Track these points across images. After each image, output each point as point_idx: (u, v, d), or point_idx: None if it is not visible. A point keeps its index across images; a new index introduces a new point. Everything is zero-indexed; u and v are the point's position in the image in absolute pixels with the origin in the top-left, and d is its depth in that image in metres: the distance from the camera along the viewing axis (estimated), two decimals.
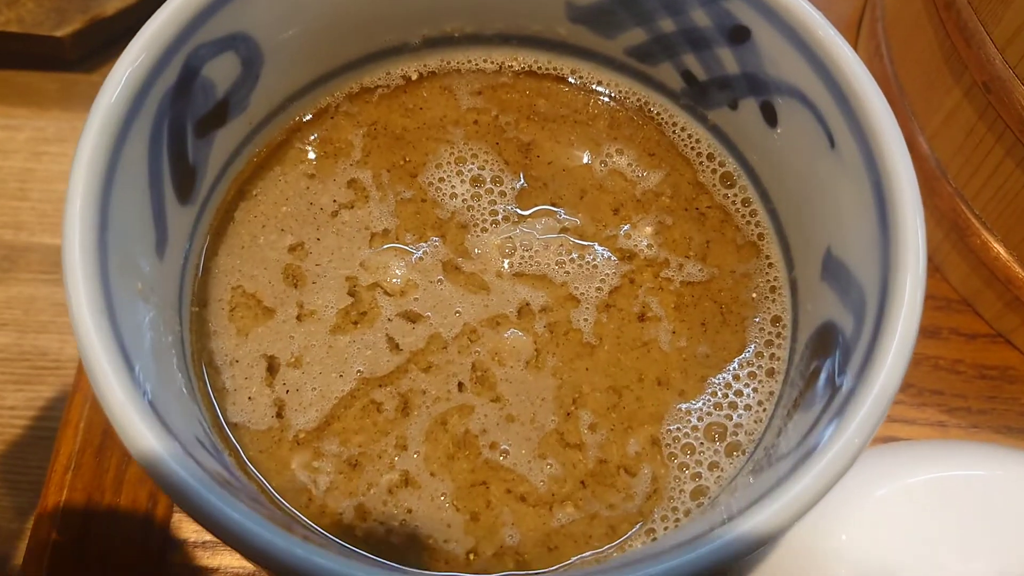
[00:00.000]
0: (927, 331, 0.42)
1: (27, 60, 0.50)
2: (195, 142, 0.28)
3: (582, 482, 0.27)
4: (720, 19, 0.29)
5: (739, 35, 0.29)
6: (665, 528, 0.26)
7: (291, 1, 0.29)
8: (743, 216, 0.31)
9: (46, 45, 0.47)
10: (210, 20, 0.26)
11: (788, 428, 0.25)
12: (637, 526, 0.26)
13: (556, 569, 0.26)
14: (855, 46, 0.49)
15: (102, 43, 0.49)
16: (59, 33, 0.46)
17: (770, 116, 0.29)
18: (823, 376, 0.25)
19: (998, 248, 0.39)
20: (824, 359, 0.25)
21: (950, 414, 0.41)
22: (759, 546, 0.21)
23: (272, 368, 0.28)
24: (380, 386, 0.28)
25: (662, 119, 0.33)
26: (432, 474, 0.27)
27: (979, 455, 0.35)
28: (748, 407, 0.28)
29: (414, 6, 0.32)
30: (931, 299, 0.43)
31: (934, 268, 0.43)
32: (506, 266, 0.30)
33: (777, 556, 0.34)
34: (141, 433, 0.20)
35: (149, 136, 0.25)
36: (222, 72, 0.28)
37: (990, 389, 0.41)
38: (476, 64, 0.34)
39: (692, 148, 0.33)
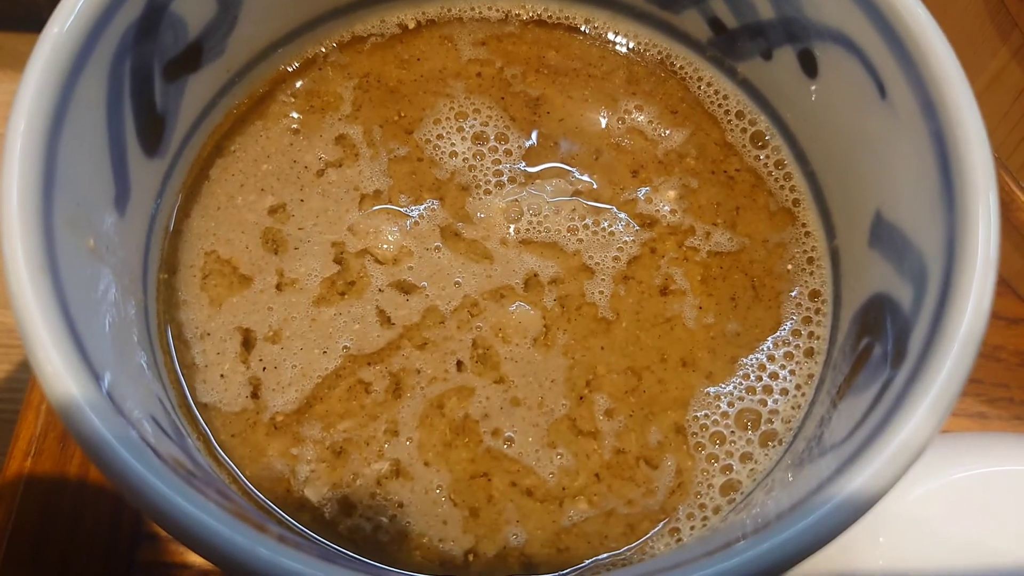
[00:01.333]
0: None
1: (4, 23, 0.47)
2: (163, 87, 0.24)
3: (597, 475, 0.24)
4: None
5: None
6: (692, 528, 0.23)
7: None
8: (776, 180, 0.28)
9: (22, 6, 0.44)
10: None
11: (834, 417, 0.22)
12: (660, 525, 0.23)
13: (567, 573, 0.22)
14: None
15: None
16: None
17: (809, 66, 0.26)
18: (875, 356, 0.22)
19: None
20: (876, 337, 0.22)
21: (991, 404, 0.37)
22: (801, 558, 0.18)
23: (248, 342, 0.25)
24: (369, 364, 0.25)
25: (686, 73, 0.30)
26: (426, 464, 0.24)
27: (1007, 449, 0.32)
28: (785, 391, 0.25)
29: None
30: None
31: None
32: (512, 232, 0.27)
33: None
34: (83, 412, 0.17)
35: (107, 76, 0.22)
36: (195, 9, 0.24)
37: None
38: (480, 12, 0.31)
39: (720, 105, 0.29)
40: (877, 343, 0.22)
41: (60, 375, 0.17)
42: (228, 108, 0.28)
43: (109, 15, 0.22)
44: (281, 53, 0.29)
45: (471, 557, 0.23)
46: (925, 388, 0.18)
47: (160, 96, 0.24)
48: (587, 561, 0.23)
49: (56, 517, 0.30)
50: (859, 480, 0.18)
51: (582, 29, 0.31)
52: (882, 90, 0.23)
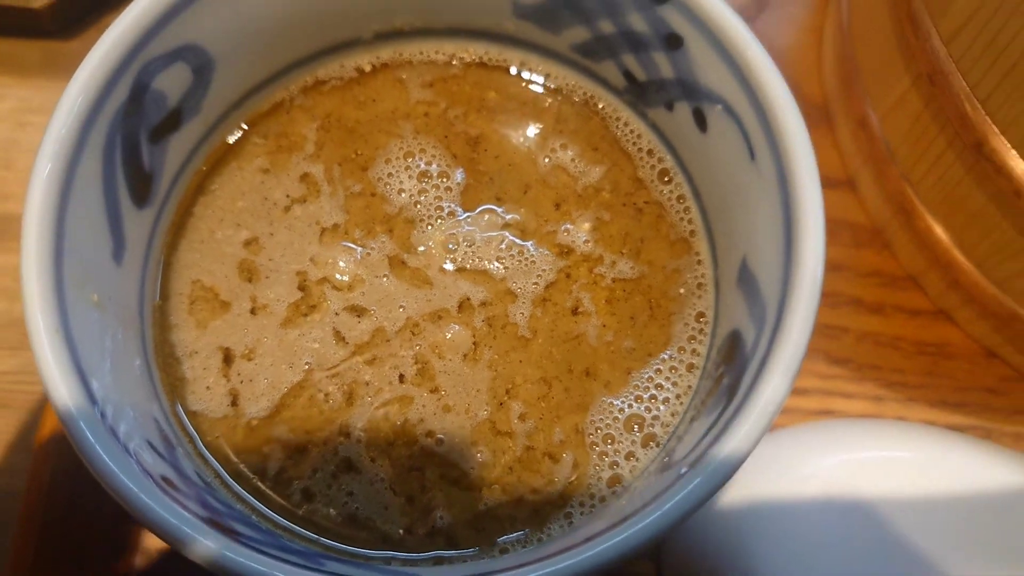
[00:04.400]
0: (871, 307, 0.44)
1: (7, 30, 0.50)
2: (150, 149, 0.29)
3: (510, 468, 0.29)
4: (655, 25, 0.30)
5: (673, 42, 0.30)
6: (582, 513, 0.29)
7: (237, 8, 0.30)
8: (677, 212, 0.33)
9: (24, 16, 0.48)
10: (157, 36, 0.28)
11: (686, 434, 0.27)
12: (558, 510, 0.29)
13: (479, 551, 0.28)
14: (824, 21, 0.49)
15: (81, 11, 0.50)
16: (36, 4, 0.47)
17: (700, 121, 0.31)
18: (723, 386, 0.27)
19: (940, 232, 0.40)
20: (728, 369, 0.27)
21: (888, 388, 0.42)
22: (654, 541, 0.23)
23: (228, 359, 0.30)
24: (327, 377, 0.30)
25: (607, 113, 0.34)
26: (372, 460, 0.29)
27: (902, 436, 0.37)
28: (667, 400, 0.30)
29: (364, 7, 0.33)
30: (878, 276, 0.44)
31: (883, 245, 0.45)
32: (449, 262, 0.32)
33: (710, 526, 0.37)
34: (91, 445, 0.22)
35: (102, 153, 0.27)
36: (173, 83, 0.29)
37: (928, 365, 0.43)
38: (428, 56, 0.35)
39: (634, 143, 0.34)
40: (727, 375, 0.27)
41: (72, 415, 0.23)
42: (207, 153, 0.33)
43: (101, 103, 0.27)
44: (252, 100, 0.33)
45: (406, 535, 0.29)
46: (740, 424, 0.23)
47: (147, 157, 0.29)
48: (499, 539, 0.29)
49: (79, 499, 0.36)
50: (688, 490, 0.23)
51: (519, 72, 0.35)
52: (752, 153, 0.28)
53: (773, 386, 0.23)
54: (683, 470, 0.24)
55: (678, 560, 0.38)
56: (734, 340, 0.28)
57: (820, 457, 0.37)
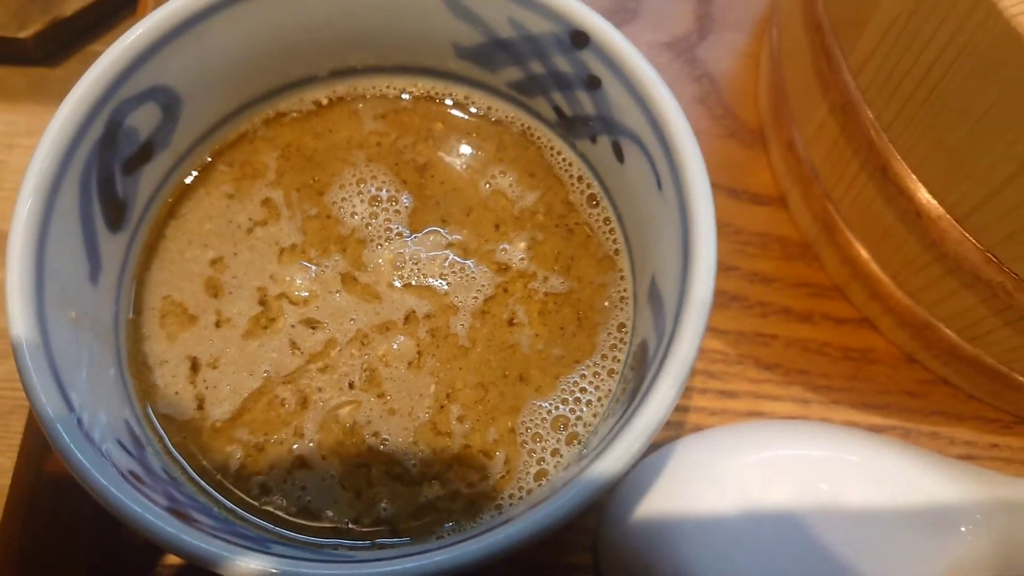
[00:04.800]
0: (801, 316, 0.47)
1: None
2: (123, 180, 0.33)
3: (448, 465, 0.33)
4: (577, 68, 0.33)
5: (593, 83, 0.33)
6: (511, 504, 0.32)
7: (202, 53, 0.33)
8: (604, 233, 0.36)
9: (11, 46, 0.51)
10: (129, 79, 0.31)
11: (603, 427, 0.31)
12: (489, 502, 0.32)
13: (417, 539, 0.32)
14: (761, 49, 0.53)
15: (65, 40, 0.54)
16: (22, 35, 0.51)
17: (619, 153, 0.34)
18: (631, 387, 0.30)
19: (859, 248, 0.44)
20: (636, 372, 0.31)
21: (814, 392, 0.46)
22: (551, 528, 0.26)
23: (195, 367, 0.34)
24: (283, 384, 0.34)
25: (542, 143, 0.38)
26: (324, 458, 0.33)
27: (823, 436, 0.41)
28: (589, 403, 0.34)
29: (318, 45, 0.36)
30: (807, 286, 0.48)
31: (812, 258, 0.48)
32: (396, 278, 0.35)
33: (641, 522, 0.40)
34: (74, 457, 0.26)
35: (79, 185, 0.30)
36: (144, 120, 0.32)
37: (852, 369, 0.46)
38: (380, 90, 0.38)
39: (566, 171, 0.37)
40: (634, 379, 0.30)
41: (51, 420, 0.26)
42: (177, 181, 0.36)
43: (78, 141, 0.30)
44: (219, 132, 0.37)
45: (353, 525, 0.32)
46: (628, 434, 0.27)
47: (121, 187, 0.33)
48: (436, 528, 0.32)
49: (64, 500, 0.39)
50: (578, 486, 0.26)
51: (463, 105, 0.38)
52: (659, 184, 0.31)
53: (663, 391, 0.27)
54: (584, 464, 0.27)
55: (614, 556, 0.41)
56: (642, 349, 0.31)
57: (745, 455, 0.41)
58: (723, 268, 0.48)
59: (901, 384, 0.47)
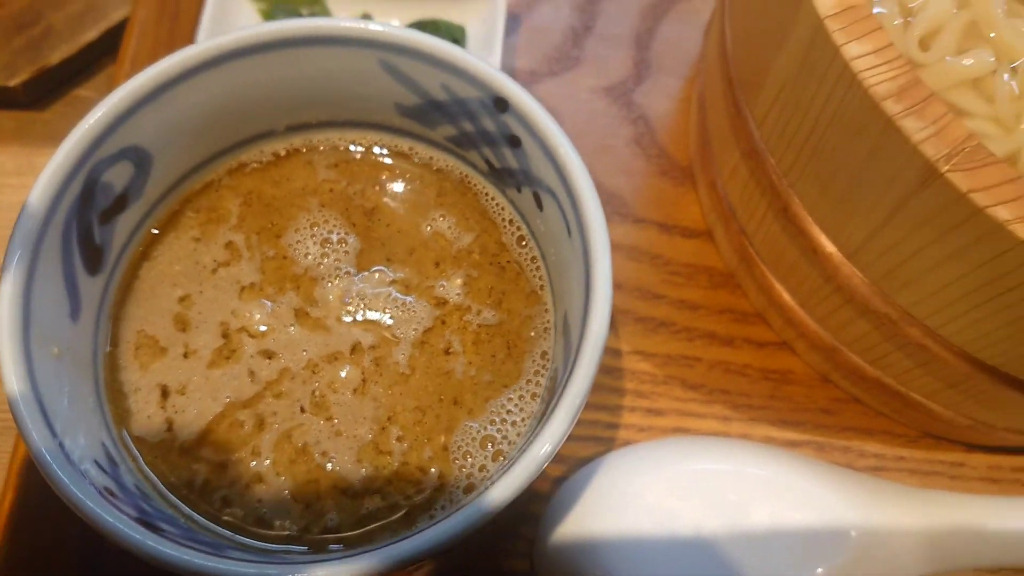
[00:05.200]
0: (724, 340, 0.52)
1: None
2: (100, 229, 0.37)
3: (388, 480, 0.37)
4: (501, 129, 0.38)
5: (514, 142, 0.38)
6: (443, 514, 0.36)
7: (171, 115, 0.37)
8: (531, 270, 0.41)
9: (2, 94, 0.55)
10: (105, 142, 0.35)
11: (522, 446, 0.35)
12: (424, 512, 0.36)
13: (359, 545, 0.36)
14: (691, 93, 0.57)
15: (51, 86, 0.58)
16: (12, 83, 0.55)
17: (538, 202, 0.38)
18: (537, 413, 0.34)
19: (772, 279, 0.48)
20: (549, 396, 0.35)
21: (734, 409, 0.50)
22: (463, 534, 0.30)
23: (165, 394, 0.38)
24: (243, 408, 0.38)
25: (477, 190, 0.42)
26: (278, 474, 0.37)
27: (740, 451, 0.45)
28: (514, 423, 0.38)
29: (275, 104, 0.40)
30: (731, 312, 0.52)
31: (735, 286, 0.53)
32: (345, 313, 0.40)
33: (572, 528, 0.44)
34: (55, 475, 0.30)
35: (61, 236, 0.34)
36: (119, 176, 0.37)
37: (771, 389, 0.51)
38: (332, 143, 0.43)
39: (499, 214, 0.42)
40: (547, 403, 0.35)
41: (37, 443, 0.30)
42: (150, 226, 0.40)
43: (59, 198, 0.34)
44: (186, 183, 0.41)
45: (303, 533, 0.36)
46: (523, 459, 0.31)
47: (98, 235, 0.37)
48: (378, 536, 0.36)
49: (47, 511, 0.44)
50: (495, 492, 0.31)
51: (407, 155, 0.43)
52: (569, 231, 0.36)
53: (561, 416, 0.31)
54: (495, 476, 0.32)
55: (548, 563, 0.45)
56: (554, 376, 0.35)
57: (663, 469, 0.45)
58: (653, 296, 0.53)
59: (816, 402, 0.51)
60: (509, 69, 0.58)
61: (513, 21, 0.59)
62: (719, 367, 0.51)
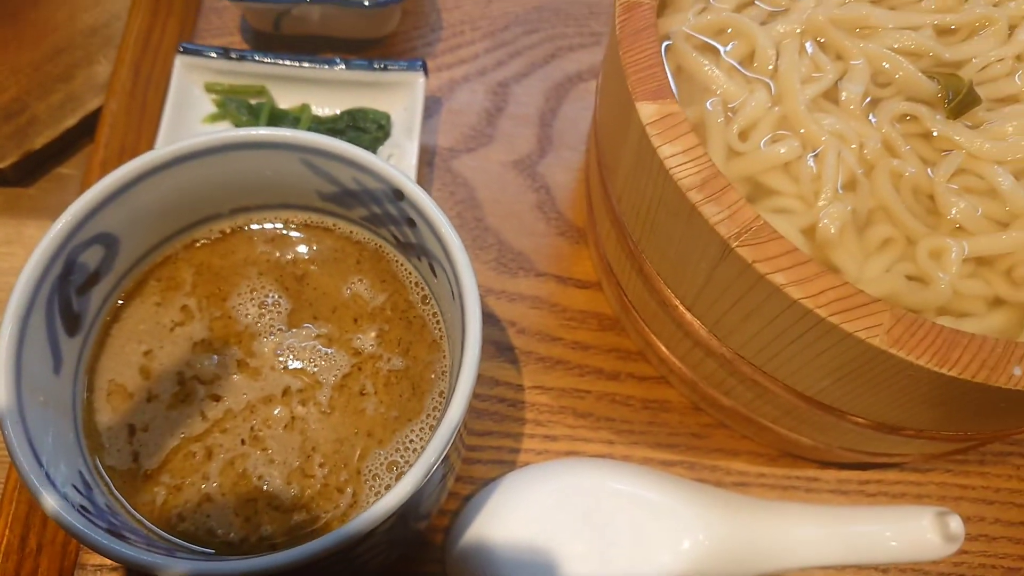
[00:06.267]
0: (610, 375, 0.61)
1: None
2: (77, 299, 0.46)
3: (312, 498, 0.46)
4: (401, 213, 0.47)
5: (411, 223, 0.47)
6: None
7: (134, 206, 0.47)
8: (433, 324, 0.50)
9: None
10: (80, 231, 0.44)
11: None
12: (339, 523, 0.45)
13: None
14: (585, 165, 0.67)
15: (36, 165, 0.67)
16: (1, 165, 0.64)
17: (433, 270, 0.48)
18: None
19: (643, 325, 0.58)
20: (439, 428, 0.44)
21: (618, 434, 0.60)
22: (351, 539, 0.39)
23: (132, 432, 0.47)
24: (195, 442, 0.47)
25: (390, 258, 0.52)
26: (223, 495, 0.46)
27: (604, 470, 0.54)
28: (415, 451, 0.47)
29: (221, 194, 0.50)
30: (617, 352, 0.62)
31: (621, 329, 0.62)
32: (278, 362, 0.49)
33: (475, 536, 0.53)
34: (41, 495, 0.39)
35: (45, 308, 0.43)
36: (92, 257, 0.46)
37: (650, 416, 0.60)
38: (268, 221, 0.52)
39: (407, 278, 0.51)
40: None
41: (27, 473, 0.39)
42: (119, 294, 0.49)
43: (43, 278, 0.43)
44: (148, 258, 0.50)
45: (243, 542, 0.45)
46: (415, 468, 0.40)
47: (76, 304, 0.46)
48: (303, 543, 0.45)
49: (30, 537, 0.52)
50: (373, 510, 0.40)
51: (332, 230, 0.52)
52: (453, 296, 0.45)
53: (435, 445, 0.40)
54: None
55: (455, 568, 0.54)
56: (443, 411, 0.45)
57: (548, 484, 0.54)
58: (551, 339, 0.62)
59: (688, 428, 0.60)
60: (431, 146, 0.68)
61: (435, 104, 0.69)
62: (606, 398, 0.60)
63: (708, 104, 0.50)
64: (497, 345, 0.61)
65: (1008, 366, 0.41)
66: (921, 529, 0.54)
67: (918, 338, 0.40)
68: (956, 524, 0.54)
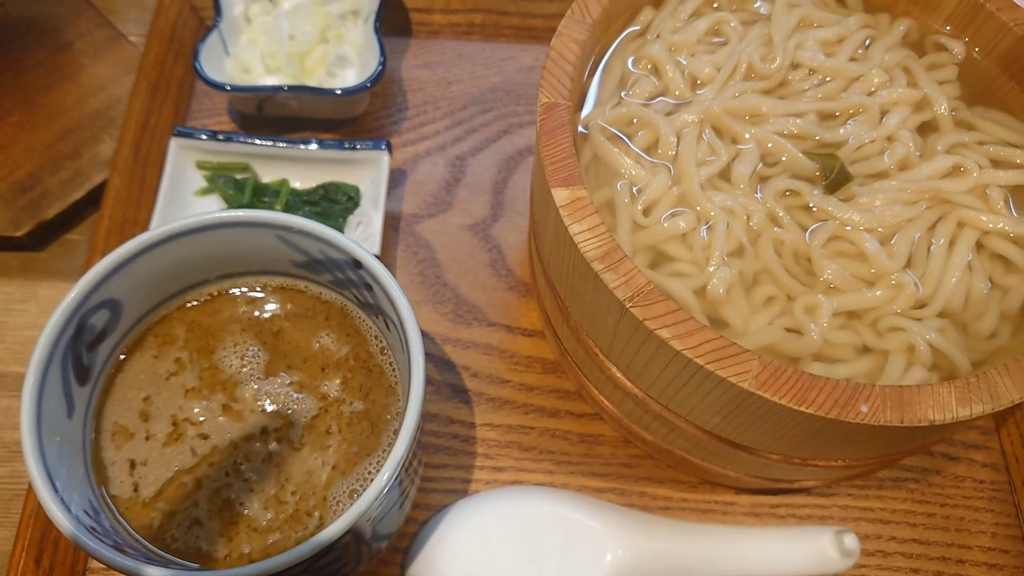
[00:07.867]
0: (551, 413, 0.70)
1: None
2: (87, 354, 0.55)
3: (286, 521, 0.54)
4: (360, 279, 0.56)
5: (369, 287, 0.56)
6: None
7: (135, 276, 0.56)
8: (390, 372, 0.59)
9: (8, 241, 0.74)
10: (90, 298, 0.53)
11: None
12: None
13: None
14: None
15: (48, 233, 0.76)
16: (17, 233, 0.73)
17: (388, 326, 0.57)
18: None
19: (577, 370, 0.67)
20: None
21: (558, 465, 0.68)
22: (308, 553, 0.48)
23: (132, 466, 0.55)
24: (186, 474, 0.55)
25: (354, 315, 0.61)
26: (210, 518, 0.54)
27: (538, 497, 0.63)
28: (371, 480, 0.55)
29: (208, 263, 0.59)
30: (557, 392, 0.71)
31: (561, 372, 0.71)
32: (258, 406, 0.57)
33: (432, 550, 0.62)
34: (58, 518, 0.47)
35: (60, 362, 0.52)
36: (99, 319, 0.55)
37: (585, 449, 0.69)
38: (249, 284, 0.61)
39: (368, 331, 0.60)
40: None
41: (47, 499, 0.47)
42: (122, 349, 0.58)
43: (60, 338, 0.52)
44: (147, 318, 0.59)
45: (227, 558, 0.53)
46: (365, 496, 0.49)
47: (86, 358, 0.55)
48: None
49: (46, 555, 0.61)
50: (330, 528, 0.48)
51: (305, 291, 0.61)
52: (403, 347, 0.54)
53: (384, 475, 0.49)
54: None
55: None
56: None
57: (499, 508, 0.63)
58: (500, 381, 0.71)
59: (620, 459, 0.69)
60: (397, 212, 0.77)
61: (401, 175, 0.79)
62: (547, 433, 0.69)
63: (618, 185, 0.59)
64: (452, 388, 0.70)
65: (856, 404, 0.49)
66: (822, 546, 0.63)
67: (781, 382, 0.49)
68: (851, 541, 0.63)
